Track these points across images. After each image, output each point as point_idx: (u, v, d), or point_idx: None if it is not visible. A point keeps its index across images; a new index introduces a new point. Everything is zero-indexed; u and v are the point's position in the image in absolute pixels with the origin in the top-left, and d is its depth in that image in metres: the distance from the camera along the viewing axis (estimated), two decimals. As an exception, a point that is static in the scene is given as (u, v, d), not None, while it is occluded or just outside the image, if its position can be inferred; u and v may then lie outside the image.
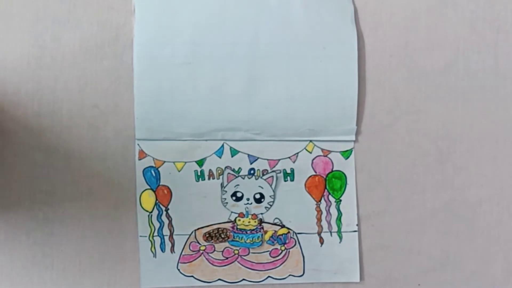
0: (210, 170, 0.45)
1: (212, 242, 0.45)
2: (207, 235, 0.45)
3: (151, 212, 0.45)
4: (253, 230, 0.45)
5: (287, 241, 0.46)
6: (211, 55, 0.45)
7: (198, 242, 0.45)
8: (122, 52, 0.45)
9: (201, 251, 0.45)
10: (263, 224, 0.46)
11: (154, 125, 0.44)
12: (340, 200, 0.46)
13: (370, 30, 0.48)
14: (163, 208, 0.45)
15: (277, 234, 0.46)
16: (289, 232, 0.46)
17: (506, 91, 0.49)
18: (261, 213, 0.46)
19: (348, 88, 0.46)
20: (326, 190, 0.46)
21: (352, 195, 0.47)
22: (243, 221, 0.46)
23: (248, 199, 0.45)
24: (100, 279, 0.45)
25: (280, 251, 0.46)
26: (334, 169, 0.46)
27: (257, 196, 0.46)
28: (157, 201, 0.45)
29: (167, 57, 0.44)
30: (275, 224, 0.46)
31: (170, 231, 0.45)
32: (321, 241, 0.46)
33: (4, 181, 0.44)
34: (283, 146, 0.46)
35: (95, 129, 0.45)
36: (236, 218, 0.46)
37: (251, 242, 0.45)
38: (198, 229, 0.45)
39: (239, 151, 0.46)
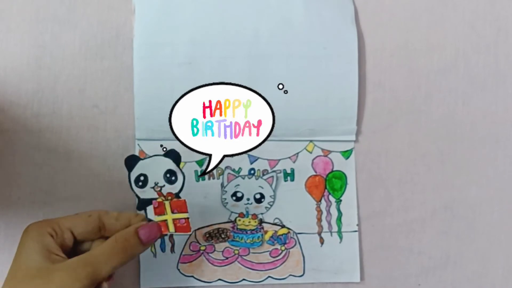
0: (210, 170, 0.45)
1: (212, 242, 0.45)
2: (207, 235, 0.45)
3: (151, 212, 0.45)
4: (253, 230, 0.45)
5: (287, 241, 0.46)
6: (211, 55, 0.45)
7: (198, 242, 0.45)
8: (122, 52, 0.45)
9: (201, 251, 0.45)
10: (263, 224, 0.46)
11: (154, 125, 0.44)
12: (340, 200, 0.46)
13: (370, 30, 0.48)
14: (163, 208, 0.45)
15: (277, 234, 0.46)
16: (289, 232, 0.46)
17: (506, 91, 0.49)
18: (261, 213, 0.46)
19: (348, 88, 0.46)
20: (326, 190, 0.46)
21: (352, 195, 0.47)
22: (243, 221, 0.45)
23: (248, 199, 0.45)
24: (100, 279, 0.45)
25: (280, 251, 0.46)
26: (334, 169, 0.46)
27: (257, 196, 0.46)
28: (157, 201, 0.45)
29: (167, 57, 0.44)
30: (275, 224, 0.46)
31: (170, 231, 0.45)
32: (321, 241, 0.46)
33: (4, 181, 0.44)
34: (283, 146, 0.46)
35: (95, 129, 0.45)
36: (236, 218, 0.45)
37: (251, 242, 0.45)
38: (198, 229, 0.45)
39: (239, 151, 0.46)
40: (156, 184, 0.39)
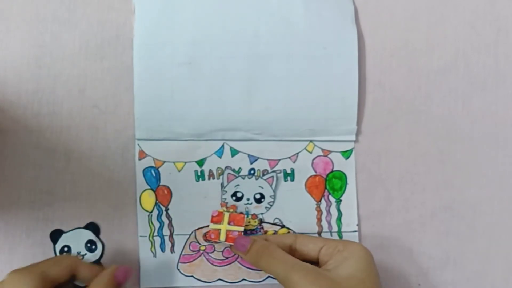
0: (210, 170, 0.45)
1: (212, 242, 0.45)
2: (207, 235, 0.45)
3: (151, 212, 0.45)
4: (253, 230, 0.45)
5: (287, 241, 0.46)
6: (211, 55, 0.45)
7: (198, 242, 0.45)
8: (122, 52, 0.45)
9: (201, 251, 0.45)
10: (263, 224, 0.46)
11: (154, 125, 0.44)
12: (340, 200, 0.46)
13: (370, 30, 0.48)
14: (163, 208, 0.45)
15: (278, 234, 0.46)
16: (289, 232, 0.46)
17: (506, 91, 0.49)
18: (261, 213, 0.46)
19: (349, 88, 0.46)
20: (326, 190, 0.46)
21: (352, 195, 0.47)
22: (243, 221, 0.45)
23: (248, 199, 0.45)
24: (100, 279, 0.45)
25: (280, 251, 0.46)
26: (334, 169, 0.46)
27: (257, 196, 0.46)
28: (157, 201, 0.45)
29: (167, 57, 0.44)
30: (275, 224, 0.46)
31: (170, 231, 0.45)
32: (321, 241, 0.46)
33: (4, 181, 0.44)
34: (283, 146, 0.46)
35: (95, 129, 0.45)
36: (236, 218, 0.46)
37: (251, 242, 0.45)
38: (198, 229, 0.45)
39: (239, 151, 0.46)
40: (78, 253, 0.43)
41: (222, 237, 0.42)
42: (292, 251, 0.41)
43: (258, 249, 0.40)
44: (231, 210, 0.43)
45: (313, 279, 0.36)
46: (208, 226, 0.45)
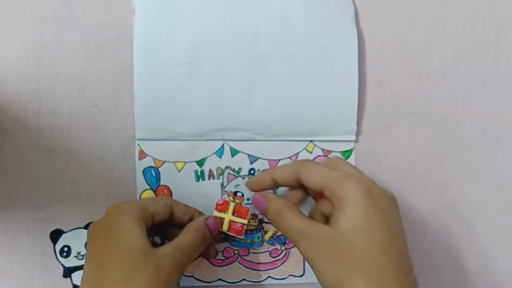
0: (210, 170, 0.45)
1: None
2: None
3: (151, 212, 0.45)
4: (253, 230, 0.45)
5: (287, 241, 0.46)
6: (211, 55, 0.45)
7: (198, 242, 0.45)
8: (122, 52, 0.45)
9: (201, 251, 0.45)
10: (263, 224, 0.46)
11: (154, 125, 0.44)
12: (340, 200, 0.46)
13: (370, 30, 0.48)
14: (163, 208, 0.45)
15: (277, 234, 0.46)
16: (289, 232, 0.46)
17: (506, 91, 0.49)
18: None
19: (348, 88, 0.46)
20: (326, 190, 0.46)
21: (352, 195, 0.46)
22: (243, 221, 0.45)
23: (248, 199, 0.45)
24: (100, 279, 0.45)
25: (280, 251, 0.46)
26: (334, 169, 0.46)
27: (257, 196, 0.46)
28: (157, 201, 0.45)
29: (167, 57, 0.44)
30: (275, 224, 0.46)
31: (170, 231, 0.45)
32: (321, 241, 0.46)
33: (4, 181, 0.44)
34: (283, 146, 0.46)
35: (95, 129, 0.45)
36: (236, 218, 0.45)
37: (251, 242, 0.45)
38: (198, 229, 0.45)
39: (239, 151, 0.46)
40: (78, 253, 0.43)
41: (225, 226, 0.41)
42: (300, 183, 0.40)
43: (274, 211, 0.39)
44: (237, 201, 0.42)
45: (316, 248, 0.36)
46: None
